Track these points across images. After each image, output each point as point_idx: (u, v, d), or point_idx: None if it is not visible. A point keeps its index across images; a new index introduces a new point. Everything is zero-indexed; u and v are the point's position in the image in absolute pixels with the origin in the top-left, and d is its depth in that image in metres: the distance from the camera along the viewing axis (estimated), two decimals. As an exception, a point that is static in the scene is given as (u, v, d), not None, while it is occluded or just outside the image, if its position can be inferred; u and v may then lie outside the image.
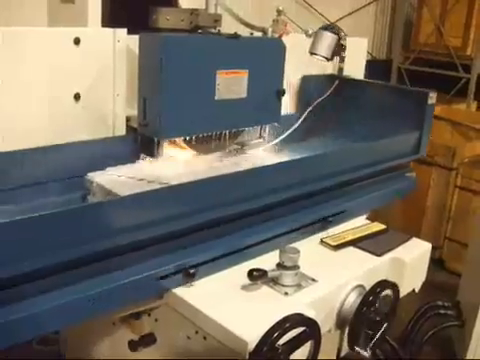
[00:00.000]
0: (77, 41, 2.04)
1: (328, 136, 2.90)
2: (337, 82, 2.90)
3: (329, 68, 3.09)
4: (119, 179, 2.01)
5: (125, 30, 2.17)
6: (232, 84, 2.29)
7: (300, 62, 2.89)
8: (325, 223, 2.29)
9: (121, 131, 2.25)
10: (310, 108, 2.85)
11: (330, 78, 2.98)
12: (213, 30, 2.38)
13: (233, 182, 1.92)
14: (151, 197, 1.69)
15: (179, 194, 1.75)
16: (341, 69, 2.92)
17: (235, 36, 2.28)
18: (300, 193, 2.18)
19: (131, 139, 2.24)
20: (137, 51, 2.13)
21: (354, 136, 2.67)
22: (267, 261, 1.96)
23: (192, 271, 1.79)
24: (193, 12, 2.32)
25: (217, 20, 2.38)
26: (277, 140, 2.64)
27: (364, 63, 3.24)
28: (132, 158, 2.20)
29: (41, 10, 2.63)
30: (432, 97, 2.69)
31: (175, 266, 1.78)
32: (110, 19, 2.40)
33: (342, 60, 2.87)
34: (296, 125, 2.75)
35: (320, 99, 2.87)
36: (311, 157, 2.23)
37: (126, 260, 1.69)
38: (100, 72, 2.14)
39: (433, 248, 2.42)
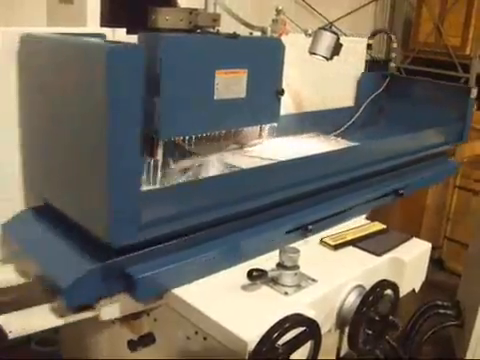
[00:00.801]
0: None
1: (379, 128, 3.48)
2: (388, 79, 3.44)
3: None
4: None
5: (124, 30, 2.17)
6: (231, 84, 2.28)
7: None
8: (396, 195, 2.76)
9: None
10: (367, 101, 3.36)
11: (383, 76, 3.53)
12: (212, 30, 2.37)
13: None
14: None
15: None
16: (392, 67, 3.44)
17: (234, 36, 2.27)
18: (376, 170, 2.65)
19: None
20: None
21: (404, 126, 3.03)
22: (267, 261, 1.97)
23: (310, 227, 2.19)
24: (192, 12, 2.31)
25: (216, 20, 2.37)
26: (340, 130, 3.16)
27: (363, 63, 3.25)
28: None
29: (40, 10, 2.63)
30: (474, 92, 3.20)
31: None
32: (109, 19, 2.40)
33: (391, 60, 3.46)
34: (356, 116, 3.31)
35: (375, 94, 3.40)
36: (381, 141, 2.76)
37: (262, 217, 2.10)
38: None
39: (433, 248, 2.44)
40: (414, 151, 2.89)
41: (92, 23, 2.38)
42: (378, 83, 3.46)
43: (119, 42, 1.79)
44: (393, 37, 3.03)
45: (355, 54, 3.06)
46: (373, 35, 3.00)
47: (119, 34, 2.18)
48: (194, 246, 1.90)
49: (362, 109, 3.33)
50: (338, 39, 2.67)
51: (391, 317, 1.99)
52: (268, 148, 2.63)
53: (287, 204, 2.21)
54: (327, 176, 2.32)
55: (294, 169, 2.18)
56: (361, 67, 3.25)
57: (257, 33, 2.67)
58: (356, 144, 2.74)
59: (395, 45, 3.24)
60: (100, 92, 1.55)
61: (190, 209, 1.82)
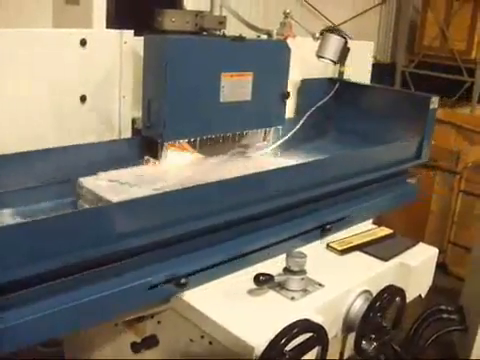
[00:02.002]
0: (83, 42, 2.03)
1: (327, 141, 2.90)
2: (338, 85, 2.89)
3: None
4: (110, 184, 1.95)
5: (132, 32, 2.17)
6: (237, 87, 2.28)
7: (302, 65, 2.84)
8: (324, 230, 2.25)
9: (127, 133, 2.24)
10: (309, 112, 2.78)
11: (330, 81, 2.96)
12: (218, 32, 2.35)
13: (223, 188, 1.87)
14: (140, 204, 1.65)
15: (171, 200, 1.72)
16: (342, 72, 2.92)
17: (240, 38, 2.27)
18: (297, 200, 2.13)
19: (137, 142, 2.23)
20: (141, 53, 2.12)
21: (354, 141, 2.67)
22: (273, 266, 1.95)
23: (183, 281, 1.76)
24: (198, 14, 2.30)
25: (222, 22, 2.36)
26: (275, 145, 2.61)
27: (370, 66, 3.22)
28: (138, 161, 2.18)
29: (46, 11, 2.61)
30: (434, 102, 2.65)
31: (167, 275, 1.73)
32: (115, 21, 2.39)
33: (343, 63, 2.87)
34: (295, 129, 2.68)
35: (320, 103, 2.83)
36: (305, 164, 2.19)
37: (114, 269, 1.64)
38: (106, 74, 2.13)
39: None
40: (359, 173, 2.38)
41: (98, 24, 2.39)
42: (326, 90, 2.90)
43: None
44: (347, 37, 2.71)
45: (360, 57, 3.01)
46: (321, 34, 2.77)
47: (127, 36, 2.17)
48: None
49: (301, 122, 2.71)
50: (346, 43, 2.65)
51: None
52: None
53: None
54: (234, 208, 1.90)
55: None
56: (368, 71, 3.21)
57: (263, 36, 2.66)
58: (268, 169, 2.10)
59: (349, 46, 2.79)
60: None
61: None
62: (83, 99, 2.08)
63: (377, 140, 2.56)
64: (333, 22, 5.61)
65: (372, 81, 3.32)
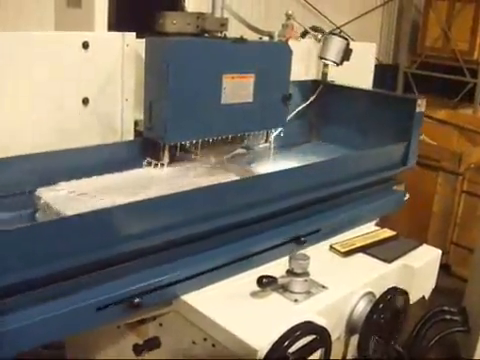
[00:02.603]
0: (86, 45, 2.03)
1: (310, 146, 2.86)
2: (321, 87, 2.85)
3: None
4: (68, 195, 1.87)
5: (134, 34, 2.16)
6: (238, 88, 2.28)
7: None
8: (298, 242, 2.10)
9: (129, 136, 2.24)
10: (291, 115, 2.71)
11: (314, 84, 2.90)
12: (219, 34, 2.36)
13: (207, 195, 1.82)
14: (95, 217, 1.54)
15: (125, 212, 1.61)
16: (325, 74, 2.88)
17: (241, 40, 2.27)
18: (270, 211, 2.04)
19: (139, 144, 2.22)
20: (143, 55, 2.12)
21: (338, 146, 2.66)
22: (276, 268, 1.94)
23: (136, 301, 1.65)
24: (199, 16, 2.31)
25: (223, 24, 2.37)
26: (258, 147, 2.57)
27: (373, 68, 3.21)
28: (140, 163, 2.19)
29: (48, 14, 2.59)
30: (420, 104, 2.53)
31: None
32: (117, 23, 2.39)
33: (325, 65, 2.86)
34: (275, 133, 2.57)
35: (302, 106, 2.80)
36: (276, 173, 2.09)
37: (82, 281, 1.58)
38: (109, 76, 2.13)
39: None
40: (339, 180, 2.26)
41: (100, 27, 2.38)
42: (308, 93, 2.83)
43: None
44: (320, 36, 2.65)
45: (364, 59, 3.01)
46: (304, 35, 2.75)
47: (129, 38, 2.17)
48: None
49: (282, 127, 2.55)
50: (348, 44, 2.65)
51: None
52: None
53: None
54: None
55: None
56: (370, 72, 3.20)
57: (265, 38, 2.66)
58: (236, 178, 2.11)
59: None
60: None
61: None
62: (85, 102, 2.08)
63: (362, 145, 2.52)
64: (335, 24, 5.61)
65: (374, 83, 3.30)
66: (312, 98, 2.82)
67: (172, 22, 2.23)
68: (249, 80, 2.31)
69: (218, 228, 1.87)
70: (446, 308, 3.35)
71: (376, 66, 3.41)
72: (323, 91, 2.83)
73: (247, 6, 4.98)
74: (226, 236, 1.92)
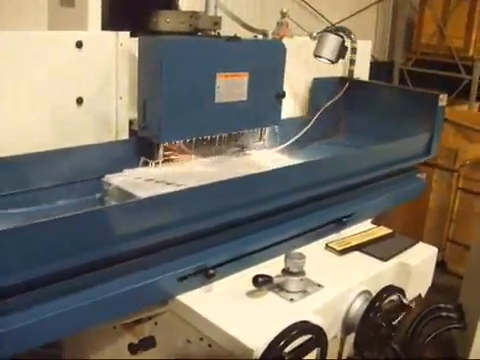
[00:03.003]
0: (79, 44, 2.01)
1: (339, 138, 3.00)
2: (347, 85, 2.94)
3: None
4: (136, 181, 2.03)
5: (128, 33, 2.15)
6: (232, 87, 2.27)
7: (313, 64, 2.85)
8: (338, 225, 2.30)
9: (124, 135, 2.23)
10: (321, 111, 2.85)
11: (341, 81, 3.01)
12: (213, 33, 2.35)
13: (246, 185, 1.90)
14: (169, 199, 1.69)
15: (195, 196, 1.74)
16: (351, 71, 2.97)
17: (235, 38, 2.26)
18: (310, 196, 2.18)
19: (134, 143, 2.22)
20: (137, 54, 2.12)
21: (365, 138, 2.71)
22: (271, 267, 1.94)
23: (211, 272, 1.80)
24: (193, 15, 2.30)
25: (217, 23, 2.36)
26: (288, 143, 2.67)
27: (368, 65, 3.21)
28: (135, 162, 2.18)
29: (42, 14, 2.56)
30: (442, 99, 2.72)
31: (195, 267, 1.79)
32: (110, 22, 2.37)
33: (352, 63, 2.93)
34: (307, 128, 2.77)
35: (331, 102, 2.89)
36: (321, 160, 2.24)
37: (142, 263, 1.69)
38: (103, 75, 2.11)
39: None
40: (369, 169, 2.45)
41: (93, 26, 2.34)
42: (335, 89, 2.96)
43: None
44: (353, 36, 2.75)
45: (359, 56, 3.01)
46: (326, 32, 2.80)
47: (123, 37, 2.15)
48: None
49: (313, 120, 2.81)
50: (343, 42, 2.64)
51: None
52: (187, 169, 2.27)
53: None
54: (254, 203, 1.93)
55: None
56: (366, 69, 3.20)
57: (259, 36, 2.65)
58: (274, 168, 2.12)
59: (357, 45, 2.84)
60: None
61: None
62: (80, 101, 2.06)
63: (387, 137, 2.60)
64: (330, 21, 5.60)
65: (370, 80, 3.30)
66: (340, 94, 2.92)
67: (166, 21, 2.23)
68: (243, 78, 2.30)
69: (279, 208, 2.01)
70: (442, 305, 3.37)
71: (371, 63, 3.40)
72: (349, 87, 2.96)
73: (242, 5, 4.96)
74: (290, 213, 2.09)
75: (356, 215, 2.39)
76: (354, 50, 2.87)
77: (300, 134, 2.73)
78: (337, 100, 2.90)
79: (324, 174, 2.17)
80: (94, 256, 1.52)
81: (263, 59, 2.37)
